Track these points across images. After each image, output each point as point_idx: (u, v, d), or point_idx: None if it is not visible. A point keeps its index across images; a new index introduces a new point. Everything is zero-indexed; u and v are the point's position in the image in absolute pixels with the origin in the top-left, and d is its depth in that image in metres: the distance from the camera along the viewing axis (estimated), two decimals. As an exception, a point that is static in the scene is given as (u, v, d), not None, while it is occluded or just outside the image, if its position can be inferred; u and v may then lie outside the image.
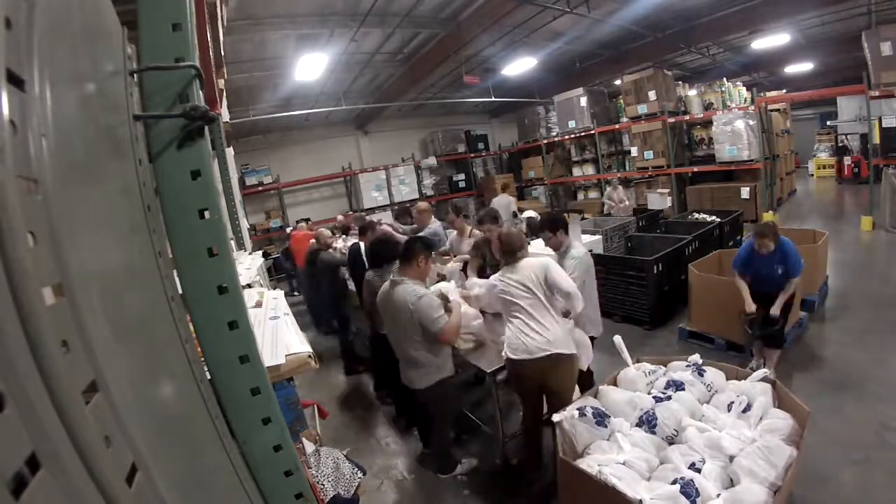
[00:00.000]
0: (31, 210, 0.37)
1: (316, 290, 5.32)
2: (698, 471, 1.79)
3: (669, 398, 2.15)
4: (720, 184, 9.04)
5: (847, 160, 12.27)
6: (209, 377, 0.81)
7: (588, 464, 1.87)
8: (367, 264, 3.84)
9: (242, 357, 0.81)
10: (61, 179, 0.44)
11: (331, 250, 4.88)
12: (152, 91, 0.75)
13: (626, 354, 2.61)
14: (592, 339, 3.13)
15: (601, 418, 2.09)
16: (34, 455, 0.32)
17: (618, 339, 2.69)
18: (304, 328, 1.72)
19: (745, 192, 8.54)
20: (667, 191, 9.39)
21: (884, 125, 7.85)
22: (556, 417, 2.09)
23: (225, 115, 3.99)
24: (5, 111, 0.35)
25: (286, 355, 1.26)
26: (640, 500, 1.63)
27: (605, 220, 7.28)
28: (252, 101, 8.61)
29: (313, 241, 5.54)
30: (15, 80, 0.37)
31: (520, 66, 8.74)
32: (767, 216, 8.32)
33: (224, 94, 3.59)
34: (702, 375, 2.31)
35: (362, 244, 4.18)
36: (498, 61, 8.77)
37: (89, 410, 0.39)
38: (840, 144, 13.33)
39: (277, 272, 9.46)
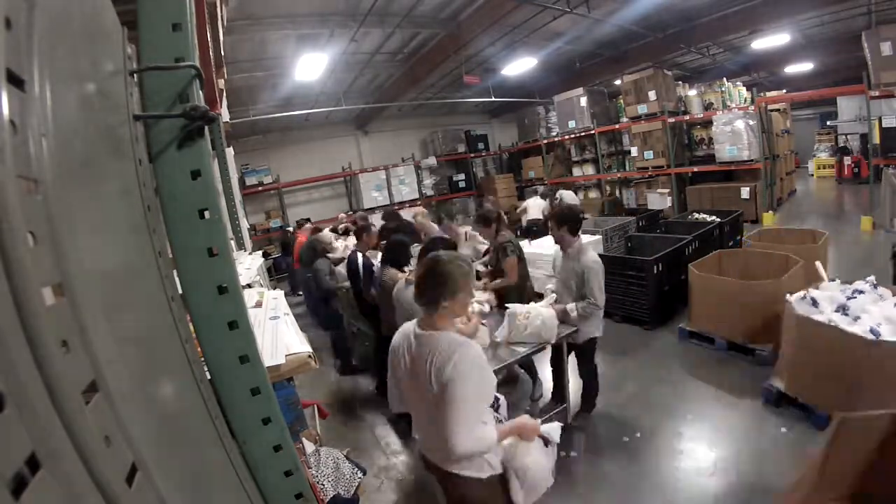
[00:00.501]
0: (31, 210, 0.37)
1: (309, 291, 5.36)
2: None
3: (856, 297, 3.03)
4: (720, 184, 9.03)
5: (847, 160, 12.27)
6: (209, 377, 0.81)
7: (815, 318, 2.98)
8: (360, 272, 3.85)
9: (242, 357, 0.81)
10: (61, 179, 0.44)
11: (329, 255, 4.88)
12: (152, 91, 0.75)
13: (823, 274, 3.38)
14: (596, 338, 3.17)
15: (814, 302, 3.10)
16: (34, 455, 0.32)
17: (818, 263, 3.44)
18: (304, 328, 1.72)
19: (745, 192, 8.53)
20: (667, 191, 9.39)
21: (884, 125, 7.84)
22: (788, 297, 3.17)
23: (225, 115, 3.99)
24: (5, 111, 0.35)
25: (286, 355, 1.26)
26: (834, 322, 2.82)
27: (606, 220, 7.28)
28: (252, 101, 8.61)
29: (308, 239, 5.55)
30: (15, 80, 0.37)
31: (520, 66, 8.74)
32: (767, 216, 8.32)
33: (224, 94, 3.59)
34: (875, 288, 3.14)
35: (360, 254, 4.12)
36: (498, 61, 8.77)
37: (89, 410, 0.39)
38: (840, 145, 13.33)
39: (277, 272, 9.47)
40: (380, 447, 3.45)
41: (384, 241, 3.87)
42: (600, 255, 5.11)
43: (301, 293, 8.02)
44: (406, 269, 3.33)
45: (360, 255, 4.13)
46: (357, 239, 4.35)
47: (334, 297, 4.66)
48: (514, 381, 3.96)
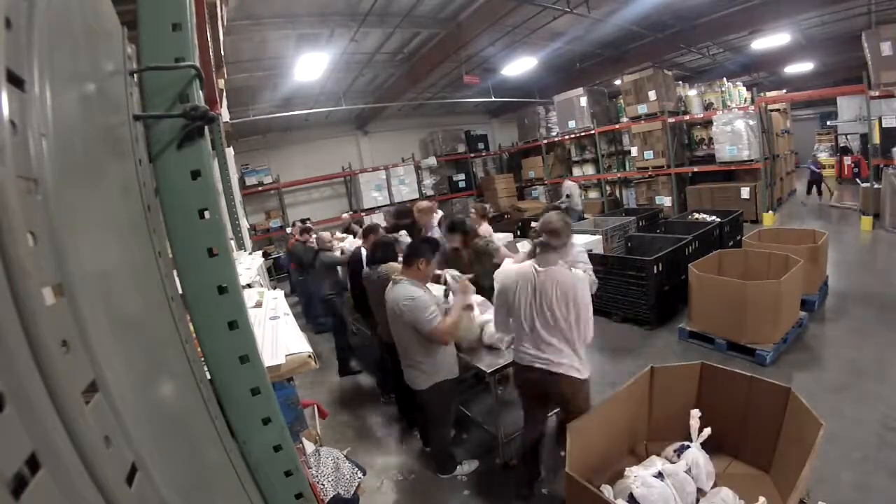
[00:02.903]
0: (31, 210, 0.37)
1: (315, 289, 5.35)
2: None
3: None
4: (720, 184, 9.04)
5: (847, 160, 12.26)
6: (209, 377, 0.81)
7: None
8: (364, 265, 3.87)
9: (242, 357, 0.81)
10: (61, 179, 0.44)
11: (336, 251, 4.88)
12: (152, 91, 0.75)
13: None
14: None
15: None
16: (34, 455, 0.32)
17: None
18: (303, 328, 1.73)
19: (745, 192, 8.54)
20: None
21: (884, 125, 7.84)
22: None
23: (225, 115, 4.00)
24: (5, 111, 0.35)
25: (286, 355, 1.26)
26: None
27: (606, 219, 7.28)
28: (252, 101, 8.61)
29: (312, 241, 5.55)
30: (15, 80, 0.37)
31: (520, 66, 8.74)
32: (767, 216, 8.32)
33: (224, 94, 3.59)
34: None
35: (364, 249, 4.16)
36: (498, 61, 8.77)
37: (89, 410, 0.39)
38: (841, 145, 13.31)
39: (278, 272, 9.46)
40: (380, 447, 3.45)
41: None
42: (600, 255, 5.17)
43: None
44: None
45: (363, 250, 4.18)
46: (364, 238, 4.44)
47: (342, 265, 4.64)
48: (506, 380, 3.95)
